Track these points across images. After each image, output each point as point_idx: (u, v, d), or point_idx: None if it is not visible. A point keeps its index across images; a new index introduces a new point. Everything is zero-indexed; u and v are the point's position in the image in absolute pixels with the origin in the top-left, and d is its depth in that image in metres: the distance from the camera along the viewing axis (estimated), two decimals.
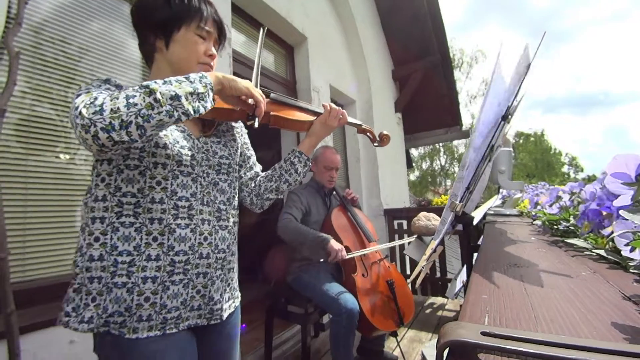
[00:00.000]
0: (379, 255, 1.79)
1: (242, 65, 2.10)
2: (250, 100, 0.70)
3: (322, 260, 1.54)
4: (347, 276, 1.62)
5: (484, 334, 0.25)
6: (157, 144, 0.65)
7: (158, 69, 0.73)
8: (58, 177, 1.15)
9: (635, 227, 0.46)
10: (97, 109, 0.51)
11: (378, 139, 1.03)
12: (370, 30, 3.88)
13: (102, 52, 1.33)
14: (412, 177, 18.72)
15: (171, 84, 0.56)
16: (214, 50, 0.74)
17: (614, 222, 0.52)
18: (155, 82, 0.55)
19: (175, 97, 0.54)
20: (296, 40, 2.69)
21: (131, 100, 0.52)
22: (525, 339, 0.24)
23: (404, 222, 3.42)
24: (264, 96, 0.73)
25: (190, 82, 0.58)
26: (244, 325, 0.91)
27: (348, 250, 1.62)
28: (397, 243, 2.17)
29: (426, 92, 4.51)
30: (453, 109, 4.79)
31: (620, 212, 0.48)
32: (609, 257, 0.56)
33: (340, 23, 3.44)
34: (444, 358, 0.26)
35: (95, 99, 0.53)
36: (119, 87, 0.66)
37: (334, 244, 1.54)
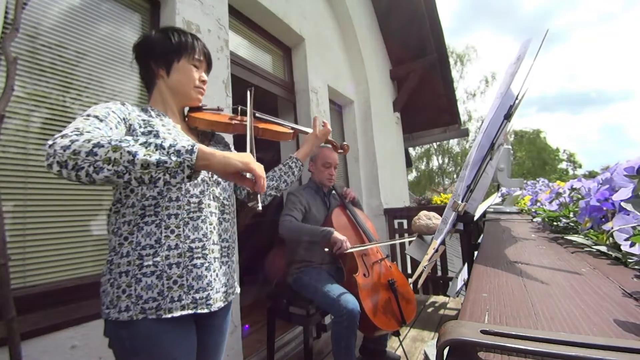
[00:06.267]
0: (380, 255, 1.79)
1: (239, 67, 2.10)
2: (248, 175, 0.67)
3: (326, 250, 1.56)
4: (349, 276, 1.62)
5: (483, 332, 0.25)
6: None
7: (159, 92, 0.85)
8: (57, 181, 1.15)
9: (635, 221, 0.46)
10: (67, 143, 0.56)
11: (340, 148, 1.22)
12: (368, 30, 3.88)
13: (100, 57, 1.33)
14: (410, 177, 18.76)
15: (145, 147, 0.57)
16: (205, 77, 0.89)
17: (615, 217, 0.52)
18: (131, 140, 0.58)
19: (131, 162, 0.55)
20: (294, 41, 2.69)
21: (95, 150, 0.56)
22: (525, 336, 0.24)
23: (404, 222, 3.42)
24: (263, 172, 0.69)
25: (167, 152, 0.57)
26: (246, 326, 0.94)
27: None
28: (397, 241, 2.18)
29: (424, 92, 4.52)
30: (451, 107, 4.79)
31: (622, 203, 0.48)
32: (609, 253, 0.56)
33: (337, 24, 3.44)
34: (445, 357, 0.26)
35: (74, 133, 0.58)
36: (125, 119, 0.73)
37: (337, 235, 1.57)
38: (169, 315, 0.68)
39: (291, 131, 1.04)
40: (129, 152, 0.55)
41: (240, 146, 1.02)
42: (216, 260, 0.78)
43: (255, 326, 2.25)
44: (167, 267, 0.70)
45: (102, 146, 0.56)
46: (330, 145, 1.22)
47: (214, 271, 0.76)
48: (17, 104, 1.08)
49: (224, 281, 0.80)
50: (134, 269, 0.68)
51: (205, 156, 0.60)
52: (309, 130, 1.09)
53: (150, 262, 0.69)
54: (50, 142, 0.57)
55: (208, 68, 0.91)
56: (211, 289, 0.74)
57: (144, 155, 0.56)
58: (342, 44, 3.50)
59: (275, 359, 1.83)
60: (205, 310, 0.72)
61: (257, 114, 0.98)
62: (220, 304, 0.77)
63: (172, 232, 0.72)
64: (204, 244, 0.75)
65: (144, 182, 0.57)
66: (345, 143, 1.23)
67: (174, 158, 0.57)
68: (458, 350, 0.26)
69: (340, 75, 3.34)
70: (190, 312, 0.70)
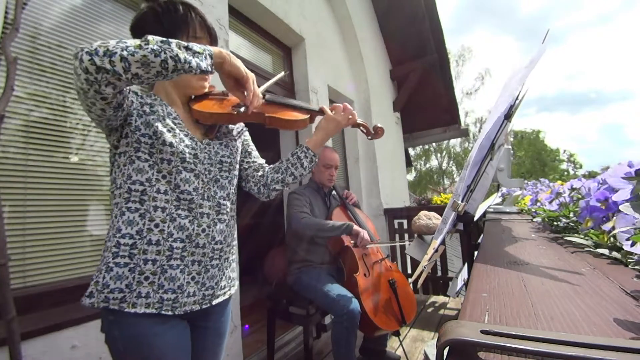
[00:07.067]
0: (380, 255, 1.79)
1: None
2: (245, 92, 0.74)
3: (352, 242, 1.65)
4: (349, 276, 1.62)
5: (483, 332, 0.25)
6: (164, 141, 0.70)
7: (161, 84, 0.79)
8: (57, 181, 1.15)
9: (636, 221, 0.46)
10: (94, 43, 0.56)
11: (372, 131, 1.02)
12: (368, 30, 3.88)
13: None
14: (410, 177, 18.82)
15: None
16: None
17: (615, 217, 0.52)
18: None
19: (166, 42, 0.59)
20: (294, 41, 2.69)
21: (125, 40, 0.58)
22: (525, 336, 0.24)
23: (404, 222, 3.42)
24: (259, 94, 0.76)
25: (191, 45, 0.63)
26: (246, 326, 0.93)
27: (350, 249, 1.62)
28: (398, 243, 2.18)
29: (424, 92, 4.52)
30: (451, 107, 4.79)
31: (621, 207, 0.48)
32: (610, 253, 0.56)
33: (337, 24, 3.44)
34: (445, 357, 0.26)
35: None
36: None
37: (357, 227, 1.63)
38: (132, 310, 0.64)
39: (306, 116, 0.88)
40: (160, 38, 0.59)
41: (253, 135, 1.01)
42: (195, 263, 0.72)
43: (255, 326, 2.25)
44: (142, 262, 0.66)
45: (131, 39, 0.59)
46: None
47: (189, 274, 0.71)
48: (17, 104, 1.08)
49: (208, 284, 0.75)
50: (108, 256, 0.65)
51: (221, 54, 0.68)
52: (330, 112, 0.92)
53: (127, 254, 0.65)
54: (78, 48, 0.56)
55: (212, 42, 0.81)
56: (181, 293, 0.69)
57: (173, 40, 0.60)
58: (342, 44, 3.50)
59: (275, 359, 1.83)
60: (170, 313, 0.68)
61: (266, 96, 0.85)
62: (194, 308, 0.72)
63: (157, 226, 0.68)
64: (185, 246, 0.71)
65: (179, 61, 0.60)
66: (379, 126, 1.00)
67: (196, 48, 0.63)
68: (458, 350, 0.26)
69: (341, 75, 3.34)
70: (153, 311, 0.66)
